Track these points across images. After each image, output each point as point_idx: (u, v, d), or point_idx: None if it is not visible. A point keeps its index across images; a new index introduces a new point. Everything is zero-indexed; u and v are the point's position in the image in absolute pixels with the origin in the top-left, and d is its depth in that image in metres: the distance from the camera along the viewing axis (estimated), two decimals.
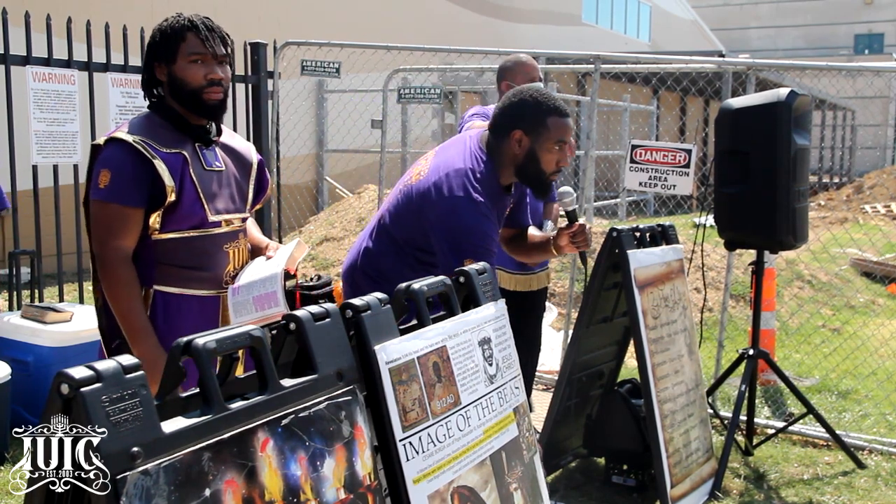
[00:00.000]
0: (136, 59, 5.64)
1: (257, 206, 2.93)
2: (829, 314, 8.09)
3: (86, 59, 5.40)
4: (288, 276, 2.63)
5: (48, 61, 5.20)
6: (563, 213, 3.28)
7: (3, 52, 5.03)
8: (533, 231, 3.41)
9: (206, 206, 2.60)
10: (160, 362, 2.24)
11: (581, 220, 3.18)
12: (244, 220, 2.80)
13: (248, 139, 4.06)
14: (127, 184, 2.50)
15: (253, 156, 2.87)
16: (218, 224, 2.65)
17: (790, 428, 4.73)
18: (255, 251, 2.85)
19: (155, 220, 2.56)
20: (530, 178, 2.93)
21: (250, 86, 6.38)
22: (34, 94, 5.09)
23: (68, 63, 5.32)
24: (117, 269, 2.53)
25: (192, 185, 2.57)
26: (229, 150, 2.77)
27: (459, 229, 2.78)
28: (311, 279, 2.71)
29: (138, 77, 5.51)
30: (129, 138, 2.52)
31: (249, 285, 2.63)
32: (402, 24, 15.11)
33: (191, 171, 2.58)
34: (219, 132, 2.74)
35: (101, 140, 2.59)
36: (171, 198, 2.53)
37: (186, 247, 2.61)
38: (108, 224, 2.52)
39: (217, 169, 2.68)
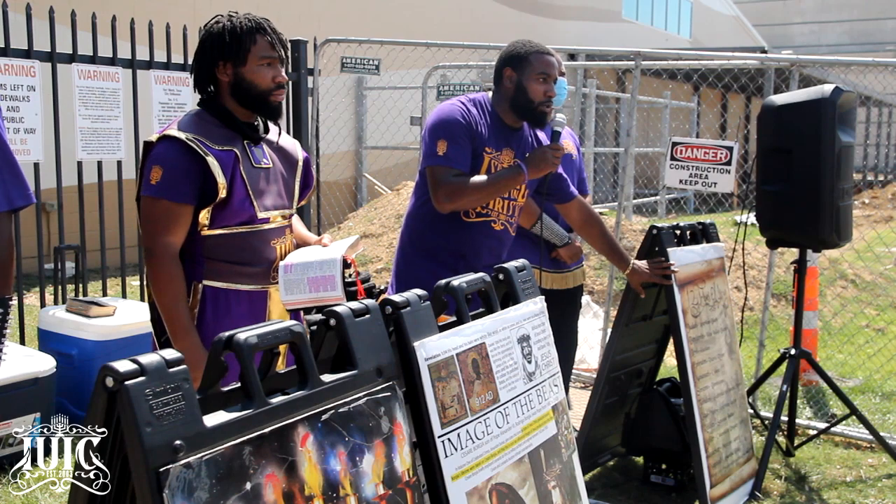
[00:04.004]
0: (178, 57, 5.72)
1: (302, 203, 2.96)
2: (874, 314, 7.95)
3: (130, 57, 5.47)
4: (345, 264, 2.64)
5: (93, 59, 5.28)
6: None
7: (49, 50, 5.12)
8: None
9: (255, 202, 2.63)
10: (201, 360, 2.27)
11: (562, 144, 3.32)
12: (290, 216, 2.83)
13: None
14: (178, 180, 2.52)
15: (299, 153, 2.90)
16: (266, 220, 2.68)
17: (832, 429, 4.67)
18: (303, 246, 2.85)
19: (204, 216, 2.58)
20: (522, 108, 3.25)
21: (290, 83, 6.41)
22: (79, 92, 5.18)
23: (113, 61, 5.39)
24: (165, 266, 2.55)
25: (242, 182, 2.60)
26: (276, 148, 2.80)
27: (437, 117, 3.20)
28: (352, 275, 2.72)
29: (181, 74, 5.68)
30: (182, 136, 2.54)
31: (305, 265, 2.62)
32: (441, 21, 15.11)
33: (241, 168, 2.60)
34: (266, 129, 2.77)
35: (153, 137, 2.61)
36: (222, 194, 2.55)
37: (235, 242, 2.63)
38: (158, 220, 2.55)
39: (265, 166, 2.71)
